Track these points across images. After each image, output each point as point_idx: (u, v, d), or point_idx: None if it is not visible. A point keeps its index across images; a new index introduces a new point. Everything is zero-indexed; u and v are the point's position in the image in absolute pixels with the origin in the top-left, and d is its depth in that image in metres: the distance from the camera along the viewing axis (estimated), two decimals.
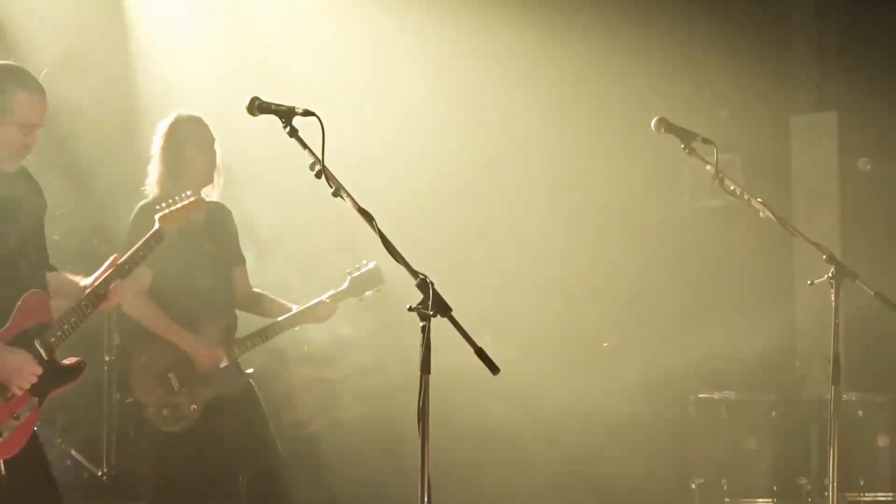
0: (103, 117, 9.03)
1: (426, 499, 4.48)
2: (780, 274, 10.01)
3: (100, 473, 9.44)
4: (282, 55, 9.53)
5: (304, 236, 9.25)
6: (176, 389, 6.79)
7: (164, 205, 6.19)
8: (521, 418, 9.56)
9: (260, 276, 7.47)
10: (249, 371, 7.05)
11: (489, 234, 9.76)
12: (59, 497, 5.77)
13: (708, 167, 6.34)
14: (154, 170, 6.91)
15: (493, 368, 4.40)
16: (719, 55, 10.18)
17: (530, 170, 10.11)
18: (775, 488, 8.45)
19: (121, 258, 5.94)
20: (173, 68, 9.38)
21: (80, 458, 9.40)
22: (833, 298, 6.19)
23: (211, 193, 6.99)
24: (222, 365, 6.88)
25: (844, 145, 10.09)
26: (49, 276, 5.82)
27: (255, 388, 7.08)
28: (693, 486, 8.54)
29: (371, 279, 7.24)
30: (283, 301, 7.17)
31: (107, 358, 9.58)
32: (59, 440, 9.31)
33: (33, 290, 5.63)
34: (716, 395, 8.70)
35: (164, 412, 6.79)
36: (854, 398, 8.41)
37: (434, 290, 4.48)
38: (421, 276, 4.51)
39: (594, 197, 9.93)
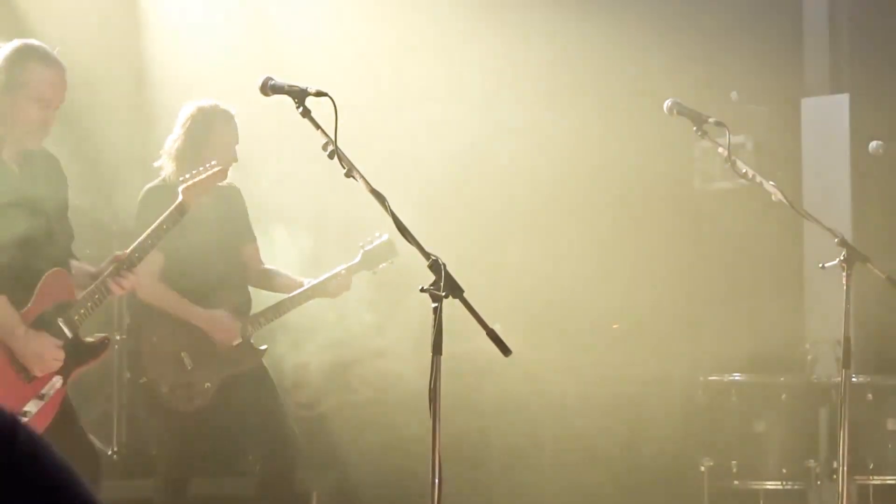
0: (112, 94, 9.05)
1: (436, 479, 4.50)
2: (791, 257, 10.00)
3: (110, 452, 9.46)
4: (297, 39, 9.53)
5: (317, 215, 9.27)
6: (189, 368, 6.82)
7: (187, 176, 6.20)
8: (529, 400, 9.58)
9: (271, 253, 7.47)
10: (263, 348, 7.07)
11: (499, 218, 9.76)
12: (98, 462, 5.82)
13: (720, 150, 6.35)
14: (173, 149, 6.89)
15: (505, 350, 4.43)
16: (730, 37, 10.17)
17: (540, 154, 10.10)
18: (784, 471, 8.45)
19: (125, 253, 5.92)
20: (184, 49, 9.39)
21: (90, 436, 9.42)
22: (844, 282, 6.20)
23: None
24: (235, 342, 6.89)
25: (856, 128, 10.08)
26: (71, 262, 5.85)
27: (266, 367, 7.12)
28: (702, 468, 8.54)
29: (384, 251, 7.21)
30: (295, 276, 7.18)
31: (118, 337, 9.60)
32: None
33: (55, 268, 5.64)
34: (725, 378, 8.70)
35: (178, 392, 6.82)
36: (864, 381, 8.40)
37: (446, 271, 4.51)
38: (433, 258, 4.55)
39: (605, 179, 9.93)
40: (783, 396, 8.52)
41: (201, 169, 6.21)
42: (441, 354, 4.46)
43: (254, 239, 7.24)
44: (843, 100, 10.15)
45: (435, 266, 4.51)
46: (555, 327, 9.82)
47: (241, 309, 7.00)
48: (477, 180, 9.80)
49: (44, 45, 5.71)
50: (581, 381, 9.69)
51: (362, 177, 4.76)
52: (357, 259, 7.19)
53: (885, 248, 8.81)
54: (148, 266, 6.53)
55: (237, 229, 7.14)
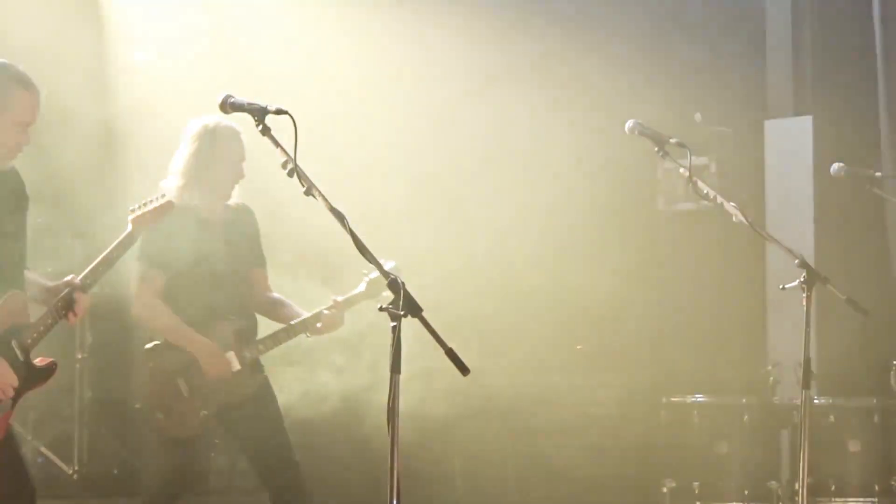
0: (79, 111, 9.00)
1: (395, 501, 4.47)
2: (753, 278, 10.02)
3: (70, 471, 9.40)
4: (263, 56, 9.50)
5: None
6: (185, 395, 6.68)
7: (136, 206, 6.15)
8: (492, 420, 9.56)
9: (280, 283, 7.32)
10: (262, 374, 6.91)
11: (460, 236, 9.75)
12: (33, 495, 5.75)
13: (681, 170, 6.35)
14: (180, 168, 6.81)
15: (464, 369, 4.40)
16: (694, 58, 10.19)
17: (503, 172, 10.11)
18: (746, 492, 8.45)
19: (77, 279, 5.86)
20: (151, 62, 9.37)
21: (50, 455, 9.36)
22: (804, 303, 6.20)
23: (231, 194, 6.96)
24: (234, 369, 6.75)
25: (819, 150, 10.10)
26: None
27: (270, 387, 6.96)
28: (664, 489, 8.54)
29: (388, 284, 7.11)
30: (296, 307, 7.02)
31: (79, 356, 9.55)
32: (30, 437, 9.27)
33: (14, 290, 5.59)
34: (687, 399, 8.70)
35: (173, 419, 6.68)
36: (826, 403, 8.41)
37: (405, 290, 4.49)
38: (392, 277, 4.52)
39: (567, 199, 9.92)
40: (745, 418, 8.52)
41: (150, 200, 6.15)
42: (399, 374, 4.43)
43: (263, 263, 7.10)
44: (807, 122, 10.17)
45: (394, 285, 4.49)
46: (517, 348, 9.81)
47: (244, 334, 6.83)
48: (436, 199, 9.79)
49: (19, 67, 5.67)
50: (544, 401, 9.68)
51: (322, 195, 4.74)
52: (360, 287, 7.06)
53: (846, 269, 8.84)
54: (147, 284, 6.54)
55: (247, 252, 6.99)
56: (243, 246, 6.96)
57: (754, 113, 10.43)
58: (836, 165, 7.61)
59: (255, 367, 6.88)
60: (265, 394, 6.90)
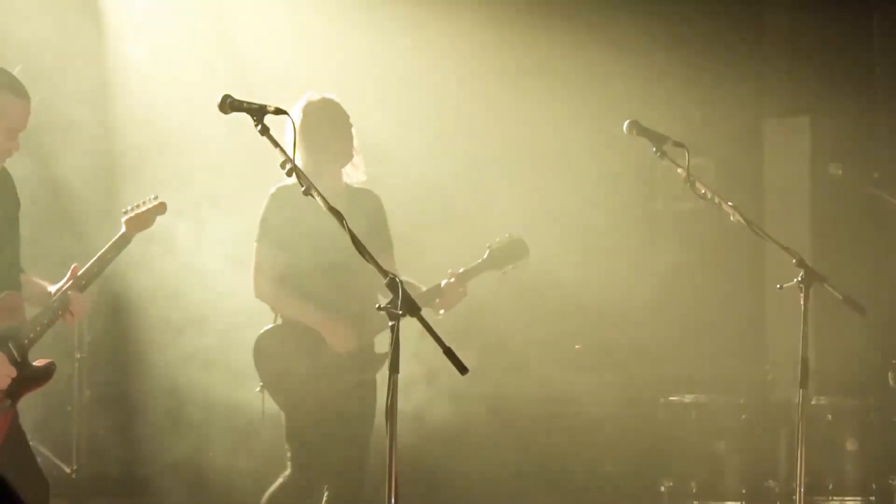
0: (76, 109, 9.01)
1: (393, 500, 4.48)
2: (751, 277, 10.03)
3: (69, 471, 9.40)
4: (260, 56, 9.50)
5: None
6: (308, 373, 6.62)
7: (129, 207, 6.15)
8: (491, 419, 9.57)
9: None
10: (383, 353, 6.68)
11: (459, 233, 9.74)
12: (47, 492, 5.77)
13: (679, 170, 6.36)
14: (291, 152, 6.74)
15: (462, 369, 4.40)
16: (692, 57, 10.18)
17: (503, 171, 10.12)
18: (744, 491, 8.46)
19: (80, 269, 5.88)
20: (149, 63, 9.38)
21: (49, 454, 9.36)
22: (802, 302, 6.21)
23: (353, 175, 6.95)
24: (346, 351, 6.68)
25: (817, 150, 10.12)
26: (21, 277, 5.81)
27: (375, 384, 6.86)
28: (662, 488, 8.55)
29: (515, 251, 7.02)
30: (420, 287, 6.92)
31: (77, 355, 9.54)
32: (29, 437, 9.26)
33: (8, 291, 5.61)
34: (685, 398, 8.71)
35: (298, 399, 6.62)
36: (823, 402, 8.42)
37: (403, 289, 4.49)
38: (390, 276, 4.53)
39: (567, 198, 9.93)
40: (743, 417, 8.53)
41: (143, 202, 6.17)
42: (398, 373, 4.44)
43: (390, 247, 7.06)
44: (804, 122, 10.19)
45: (392, 284, 4.50)
46: (515, 346, 9.82)
47: (361, 317, 6.71)
48: (436, 198, 9.79)
49: (11, 72, 5.69)
50: (542, 400, 9.69)
51: (320, 194, 4.76)
52: (483, 258, 6.99)
53: (844, 268, 8.84)
54: (267, 265, 6.59)
55: (372, 236, 6.68)
56: (367, 229, 6.65)
57: (752, 112, 10.44)
58: (832, 165, 7.62)
59: (374, 351, 6.82)
60: (370, 390, 6.85)
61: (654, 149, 6.41)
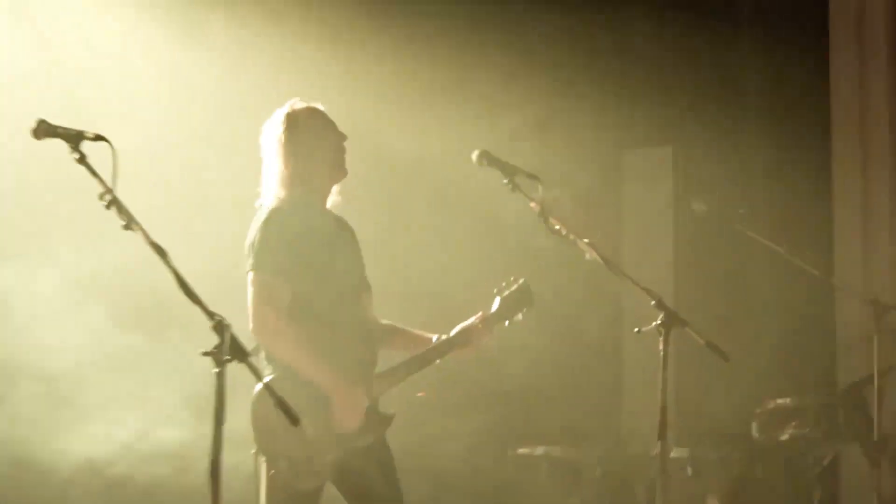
0: None
1: None
2: (608, 319, 10.13)
3: None
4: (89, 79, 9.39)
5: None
6: (311, 439, 6.17)
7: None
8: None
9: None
10: (391, 413, 6.53)
11: None
12: None
13: (532, 204, 6.42)
14: (274, 172, 6.50)
15: (294, 420, 4.43)
16: (548, 82, 10.26)
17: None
18: None
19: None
20: None
21: None
22: (661, 347, 6.27)
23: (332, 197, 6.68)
24: (354, 426, 6.33)
25: (680, 183, 10.28)
26: None
27: (386, 442, 6.60)
28: None
29: (521, 298, 6.93)
30: (418, 331, 6.79)
31: None
32: None
33: None
34: (537, 451, 8.74)
35: (297, 467, 6.18)
36: (683, 455, 8.53)
37: (232, 333, 4.49)
38: (217, 318, 4.51)
39: (410, 233, 9.96)
40: (598, 471, 8.61)
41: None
42: (224, 424, 4.41)
43: (369, 287, 6.69)
44: (667, 153, 10.35)
45: (219, 327, 4.48)
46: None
47: (368, 367, 6.46)
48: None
49: None
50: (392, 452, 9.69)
51: (142, 229, 4.73)
52: (495, 307, 6.83)
53: (707, 310, 8.99)
54: (272, 300, 6.16)
55: (356, 272, 6.62)
56: (352, 264, 6.63)
57: (612, 142, 10.56)
58: (697, 200, 7.74)
59: (378, 409, 6.48)
60: (383, 448, 6.55)
61: (506, 180, 6.47)
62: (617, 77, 10.77)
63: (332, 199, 6.64)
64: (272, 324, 6.20)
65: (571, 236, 6.43)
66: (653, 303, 6.28)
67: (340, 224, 6.65)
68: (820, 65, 10.34)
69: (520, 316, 6.94)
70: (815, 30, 10.36)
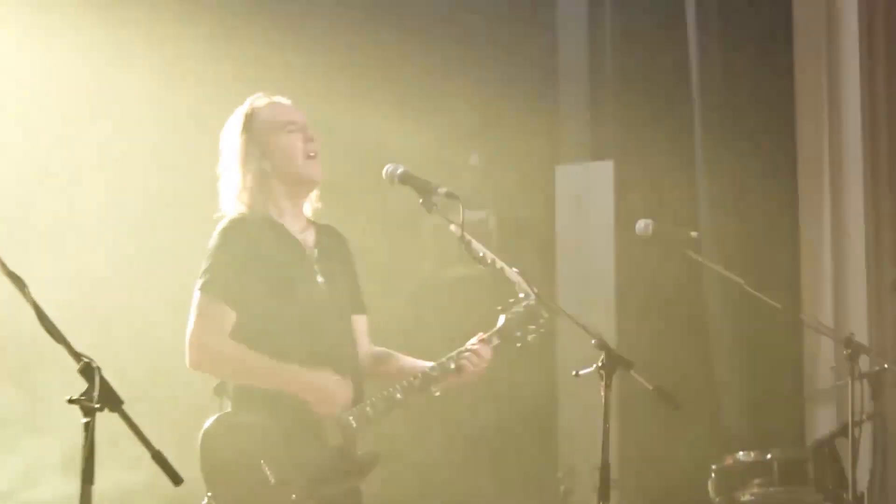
0: None
1: None
2: (540, 361, 10.13)
3: None
4: None
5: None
6: (271, 483, 6.10)
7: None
8: None
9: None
10: (375, 453, 6.42)
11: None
12: None
13: (451, 227, 6.40)
14: (232, 181, 6.50)
15: (175, 479, 4.40)
16: (470, 89, 10.27)
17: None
18: None
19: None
20: None
21: None
22: (602, 393, 6.25)
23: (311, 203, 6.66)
24: (344, 409, 6.30)
25: (622, 202, 10.30)
26: None
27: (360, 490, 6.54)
28: None
29: (532, 315, 6.81)
30: (412, 358, 6.77)
31: None
32: None
33: None
34: None
35: None
36: None
37: (101, 377, 4.44)
38: (85, 360, 4.47)
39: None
40: None
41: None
42: (93, 484, 4.38)
43: (364, 309, 6.75)
44: (607, 167, 10.37)
45: (87, 371, 4.44)
46: None
47: (353, 386, 6.39)
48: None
49: None
50: None
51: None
52: (499, 325, 6.76)
53: (654, 350, 9.00)
54: (210, 323, 6.19)
55: (345, 292, 6.63)
56: (341, 282, 6.64)
57: (543, 157, 10.58)
58: (642, 222, 7.76)
59: (359, 453, 6.36)
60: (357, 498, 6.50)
61: (422, 200, 6.45)
62: (548, 84, 10.79)
63: (312, 207, 6.66)
64: (218, 344, 6.24)
65: (498, 264, 6.41)
66: (593, 341, 6.28)
67: (326, 237, 6.69)
68: (784, 66, 10.41)
69: (532, 336, 6.85)
70: (779, 31, 10.44)
